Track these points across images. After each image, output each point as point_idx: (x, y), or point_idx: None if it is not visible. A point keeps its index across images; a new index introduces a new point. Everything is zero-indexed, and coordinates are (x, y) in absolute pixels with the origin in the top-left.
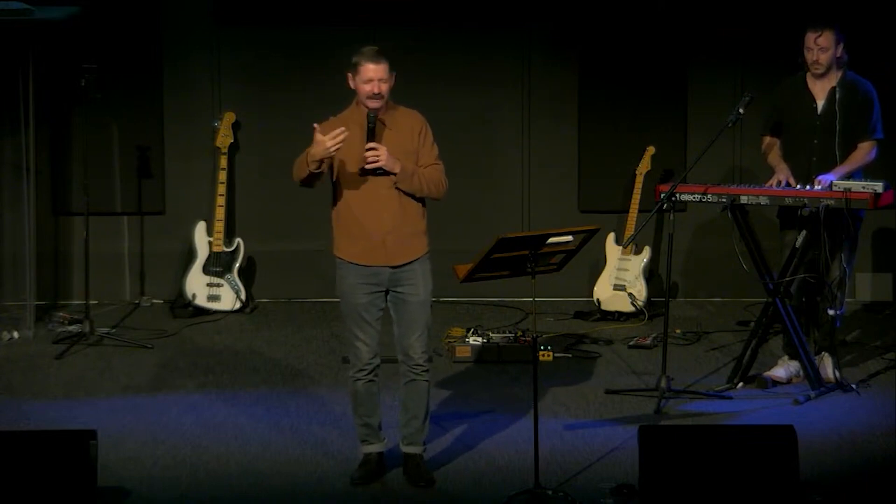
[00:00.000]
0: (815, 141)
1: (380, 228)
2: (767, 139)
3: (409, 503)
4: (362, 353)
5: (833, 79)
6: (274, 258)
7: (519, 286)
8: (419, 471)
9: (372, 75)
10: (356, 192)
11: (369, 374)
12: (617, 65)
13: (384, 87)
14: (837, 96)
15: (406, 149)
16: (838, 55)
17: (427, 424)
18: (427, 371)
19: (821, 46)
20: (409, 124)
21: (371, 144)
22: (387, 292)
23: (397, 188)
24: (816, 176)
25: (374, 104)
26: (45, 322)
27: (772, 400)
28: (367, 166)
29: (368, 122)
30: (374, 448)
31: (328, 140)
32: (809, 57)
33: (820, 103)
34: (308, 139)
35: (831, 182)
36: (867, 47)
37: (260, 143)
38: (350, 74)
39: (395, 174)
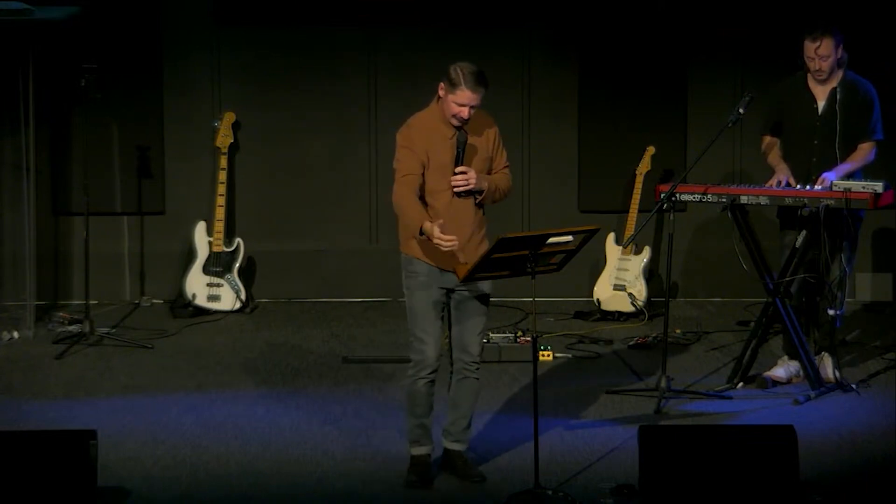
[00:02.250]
0: (816, 142)
1: (462, 238)
2: (767, 139)
3: (409, 503)
4: (429, 351)
5: (834, 80)
6: (274, 258)
7: (519, 286)
8: (468, 467)
9: (467, 102)
10: (442, 203)
11: (432, 373)
12: (617, 65)
13: (471, 112)
14: (838, 97)
15: (484, 156)
16: (839, 56)
17: (472, 423)
18: (479, 369)
19: (821, 55)
20: (485, 131)
21: (461, 168)
22: (450, 292)
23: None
24: (818, 174)
25: (456, 123)
26: (45, 322)
27: (772, 400)
28: (457, 190)
29: (458, 147)
30: (425, 449)
31: (445, 242)
32: (811, 65)
33: (820, 104)
34: (307, 139)
35: (831, 182)
36: (867, 47)
37: (260, 143)
38: (444, 85)
39: (479, 193)
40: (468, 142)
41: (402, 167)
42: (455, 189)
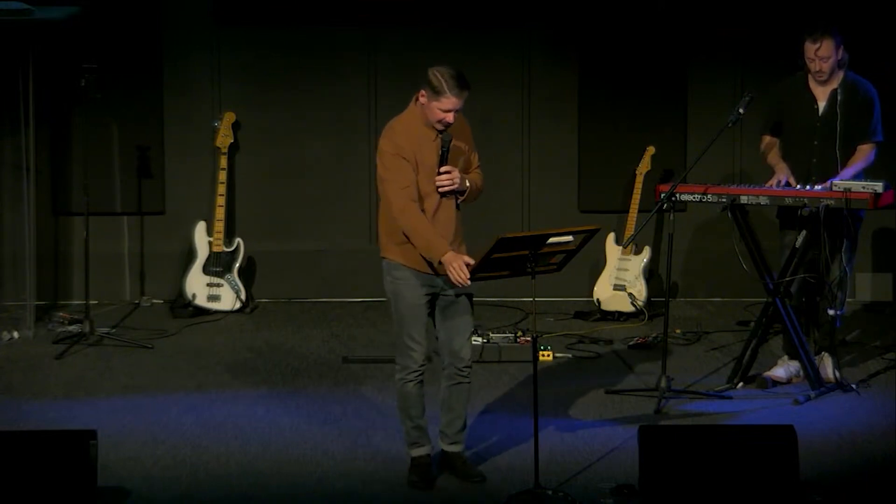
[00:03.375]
0: (816, 142)
1: (446, 239)
2: (767, 139)
3: (410, 503)
4: (417, 355)
5: (835, 80)
6: (274, 258)
7: (519, 286)
8: (467, 468)
9: (452, 107)
10: (430, 206)
11: (420, 374)
12: (617, 65)
13: (456, 116)
14: (839, 98)
15: (464, 156)
16: (839, 57)
17: (466, 423)
18: (471, 371)
19: (821, 56)
20: (463, 131)
21: (445, 168)
22: (436, 296)
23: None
24: (818, 175)
25: (440, 128)
26: (45, 322)
27: (772, 400)
28: (441, 190)
29: (443, 147)
30: (424, 450)
31: (459, 277)
32: (812, 67)
33: (821, 104)
34: (307, 139)
35: (832, 182)
36: (867, 47)
37: (260, 143)
38: (426, 91)
39: (461, 193)
40: (452, 142)
41: (399, 178)
42: (440, 189)
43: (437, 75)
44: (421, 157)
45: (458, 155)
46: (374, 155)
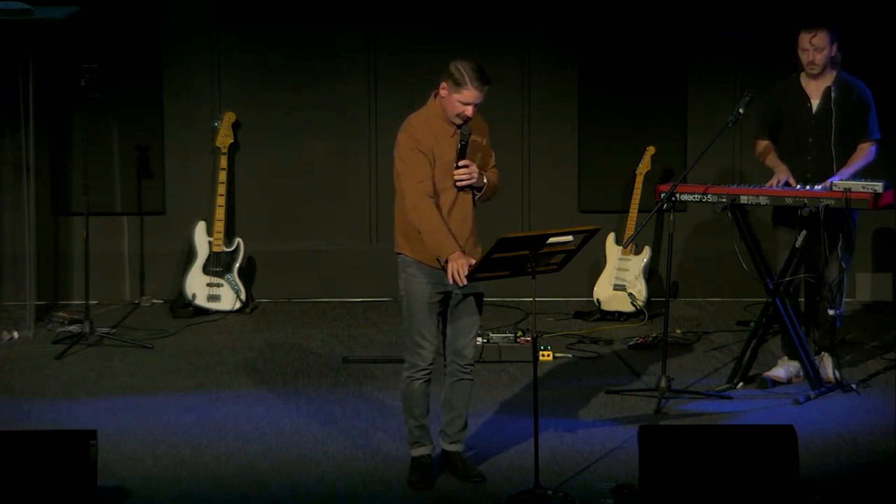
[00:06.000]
0: (811, 140)
1: (462, 236)
2: (763, 143)
3: (410, 503)
4: (426, 353)
5: (828, 79)
6: (274, 258)
7: (519, 286)
8: (467, 468)
9: (473, 100)
10: (446, 201)
11: (428, 373)
12: (617, 65)
13: (475, 110)
14: (832, 95)
15: (481, 153)
16: (832, 54)
17: (468, 422)
18: (473, 369)
19: (816, 46)
20: (481, 129)
21: (464, 162)
22: (448, 294)
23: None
24: (815, 172)
25: (459, 122)
26: (45, 322)
27: (772, 400)
28: (459, 184)
29: (462, 140)
30: (425, 450)
31: (455, 276)
32: (805, 57)
33: (815, 102)
34: (307, 139)
35: (832, 182)
36: (866, 47)
37: (260, 143)
38: (447, 84)
39: (479, 189)
40: (471, 136)
41: (415, 173)
42: (458, 183)
43: (459, 68)
44: (438, 151)
45: (476, 150)
46: (374, 155)
